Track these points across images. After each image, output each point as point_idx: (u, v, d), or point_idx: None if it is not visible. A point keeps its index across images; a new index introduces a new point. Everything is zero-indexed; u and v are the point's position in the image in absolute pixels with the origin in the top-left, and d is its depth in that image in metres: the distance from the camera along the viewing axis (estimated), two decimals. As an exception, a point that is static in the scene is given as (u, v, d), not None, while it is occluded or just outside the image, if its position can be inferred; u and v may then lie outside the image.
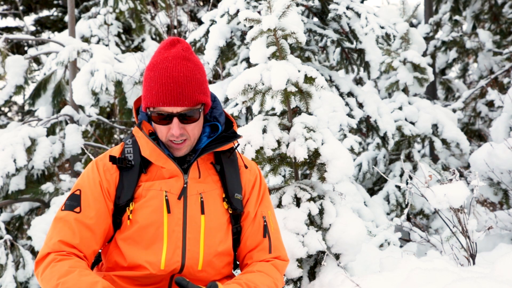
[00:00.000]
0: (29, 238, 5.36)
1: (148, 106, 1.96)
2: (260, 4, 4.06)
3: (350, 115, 4.14)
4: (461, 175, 5.27)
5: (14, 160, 4.93)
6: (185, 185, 2.01)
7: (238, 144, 2.19)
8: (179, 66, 1.93)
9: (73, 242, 1.94)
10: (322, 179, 2.74)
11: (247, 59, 5.23)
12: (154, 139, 2.04)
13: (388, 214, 5.06)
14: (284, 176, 3.65)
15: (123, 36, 8.41)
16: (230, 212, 2.09)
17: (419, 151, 6.69)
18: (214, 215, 2.04)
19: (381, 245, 3.65)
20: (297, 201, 2.81)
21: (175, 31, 7.21)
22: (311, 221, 2.79)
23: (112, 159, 2.02)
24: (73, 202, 1.99)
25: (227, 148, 2.11)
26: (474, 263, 2.90)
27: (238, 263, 2.21)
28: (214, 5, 7.52)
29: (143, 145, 2.01)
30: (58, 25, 12.43)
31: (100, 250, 2.12)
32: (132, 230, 1.98)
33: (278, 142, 2.77)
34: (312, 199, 2.79)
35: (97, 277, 1.86)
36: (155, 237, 1.97)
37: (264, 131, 2.76)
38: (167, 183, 2.00)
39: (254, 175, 2.19)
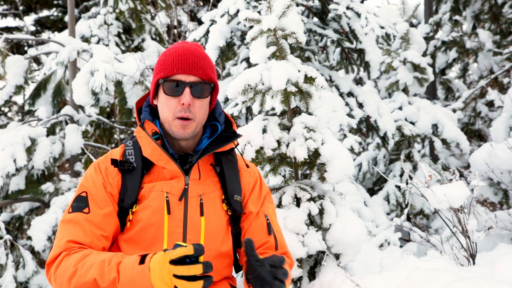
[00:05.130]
0: (29, 238, 5.36)
1: (162, 77, 1.99)
2: (260, 4, 4.06)
3: (350, 115, 4.14)
4: (461, 175, 5.27)
5: (14, 160, 4.92)
6: (186, 187, 2.00)
7: (238, 144, 2.19)
8: (194, 47, 2.05)
9: (85, 241, 1.91)
10: (322, 179, 2.73)
11: (247, 59, 5.24)
12: (157, 139, 2.03)
13: (388, 214, 5.06)
14: (284, 176, 3.65)
15: (123, 36, 8.41)
16: (230, 213, 2.08)
17: (419, 151, 6.69)
18: (213, 217, 2.03)
19: (381, 245, 3.65)
20: (297, 201, 2.80)
21: (175, 31, 7.21)
22: (311, 221, 2.78)
23: (114, 162, 2.00)
24: (81, 204, 1.96)
25: (228, 149, 2.11)
26: (474, 263, 2.89)
27: (240, 265, 2.17)
28: (214, 5, 7.53)
29: (144, 145, 2.00)
30: (58, 25, 12.44)
31: None
32: (133, 231, 1.98)
33: (278, 142, 2.77)
34: (312, 199, 2.78)
35: (114, 253, 1.84)
36: (155, 238, 1.96)
37: (264, 131, 2.76)
38: (168, 184, 2.00)
39: (254, 177, 2.19)
